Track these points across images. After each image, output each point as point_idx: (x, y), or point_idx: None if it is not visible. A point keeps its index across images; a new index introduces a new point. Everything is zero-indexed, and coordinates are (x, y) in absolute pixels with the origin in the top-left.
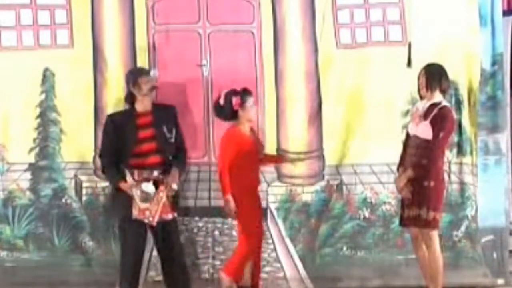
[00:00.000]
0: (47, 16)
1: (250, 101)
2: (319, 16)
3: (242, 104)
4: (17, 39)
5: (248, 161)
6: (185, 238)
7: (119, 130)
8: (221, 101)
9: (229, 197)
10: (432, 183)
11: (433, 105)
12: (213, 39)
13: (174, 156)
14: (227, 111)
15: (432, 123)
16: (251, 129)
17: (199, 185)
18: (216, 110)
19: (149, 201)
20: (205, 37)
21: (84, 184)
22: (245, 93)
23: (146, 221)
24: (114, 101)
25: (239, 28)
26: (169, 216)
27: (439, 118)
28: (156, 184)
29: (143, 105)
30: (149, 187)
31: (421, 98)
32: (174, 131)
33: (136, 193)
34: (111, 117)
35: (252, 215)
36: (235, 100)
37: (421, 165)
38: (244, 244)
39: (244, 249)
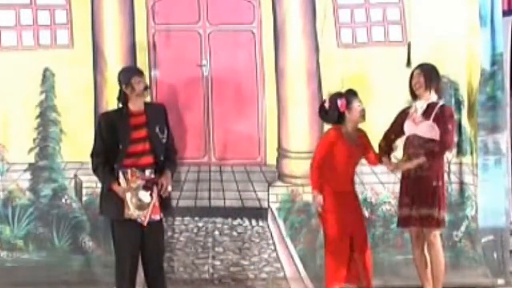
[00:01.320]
0: (47, 16)
1: (356, 102)
2: (319, 15)
3: (348, 105)
4: (17, 39)
5: (337, 166)
6: (185, 238)
7: (113, 129)
8: (326, 105)
9: (315, 193)
10: (440, 183)
11: (432, 105)
12: (213, 39)
13: (166, 157)
14: (333, 114)
15: (437, 122)
16: (359, 130)
17: (199, 185)
18: (321, 114)
19: (143, 209)
20: (205, 37)
21: (84, 184)
22: (350, 94)
23: (139, 220)
24: (114, 101)
25: (239, 28)
26: (157, 217)
27: (445, 118)
28: (150, 187)
29: (136, 105)
30: (146, 196)
31: (415, 97)
32: (165, 132)
33: (131, 200)
34: (104, 116)
35: (337, 220)
36: (340, 102)
37: (429, 165)
38: (327, 248)
39: (328, 252)
